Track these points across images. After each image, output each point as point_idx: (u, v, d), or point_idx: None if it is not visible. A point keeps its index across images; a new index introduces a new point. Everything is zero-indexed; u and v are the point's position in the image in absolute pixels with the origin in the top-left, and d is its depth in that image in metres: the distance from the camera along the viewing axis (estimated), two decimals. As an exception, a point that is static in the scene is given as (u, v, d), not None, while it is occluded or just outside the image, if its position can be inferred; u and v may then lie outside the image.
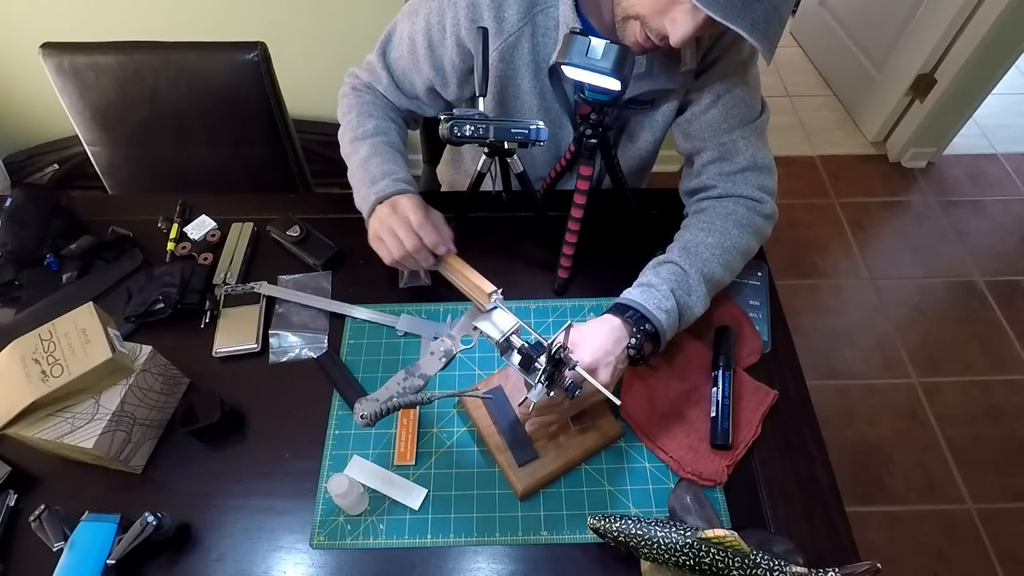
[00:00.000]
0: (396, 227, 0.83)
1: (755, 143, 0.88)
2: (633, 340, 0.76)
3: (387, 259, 0.86)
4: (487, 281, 0.78)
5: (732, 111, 0.87)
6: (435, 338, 0.91)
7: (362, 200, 0.88)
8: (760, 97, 0.90)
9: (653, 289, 0.79)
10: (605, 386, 0.71)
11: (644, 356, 0.77)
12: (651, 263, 0.85)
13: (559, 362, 0.67)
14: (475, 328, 0.77)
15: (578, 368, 0.68)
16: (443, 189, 1.31)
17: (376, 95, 0.99)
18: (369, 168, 0.89)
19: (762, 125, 0.89)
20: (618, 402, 0.68)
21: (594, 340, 0.74)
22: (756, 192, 0.88)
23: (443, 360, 0.87)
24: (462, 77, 0.93)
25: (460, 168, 1.21)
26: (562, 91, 0.91)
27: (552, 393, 0.69)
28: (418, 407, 0.85)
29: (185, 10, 1.75)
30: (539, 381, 0.68)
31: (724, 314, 0.92)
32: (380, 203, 0.85)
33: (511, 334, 0.71)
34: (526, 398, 0.71)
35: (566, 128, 0.96)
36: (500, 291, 0.77)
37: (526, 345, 0.69)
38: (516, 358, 0.71)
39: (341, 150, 0.97)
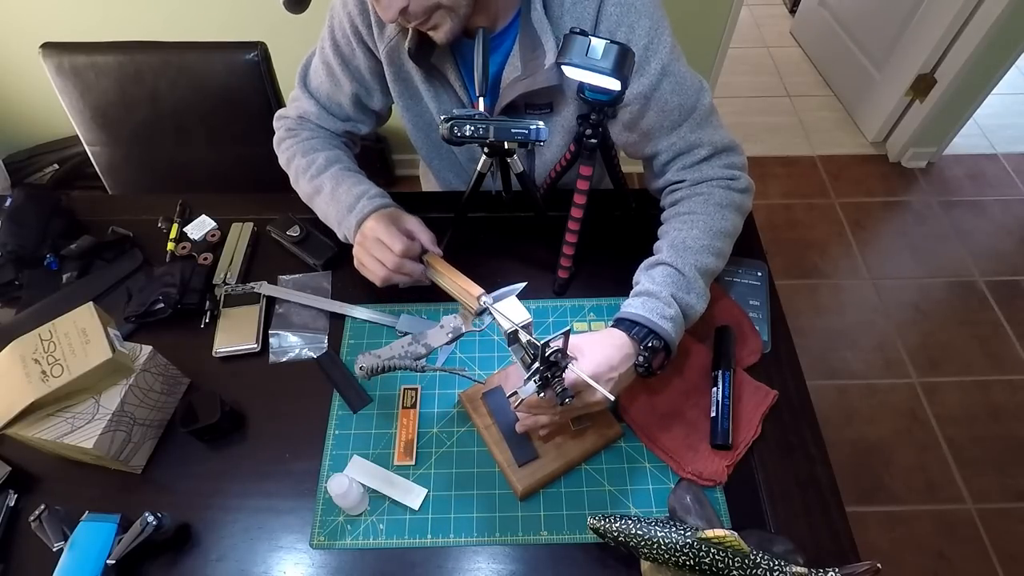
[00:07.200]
0: (371, 248, 0.85)
1: (707, 130, 0.85)
2: (640, 358, 0.75)
3: (377, 282, 0.87)
4: (474, 284, 0.78)
5: (666, 108, 0.82)
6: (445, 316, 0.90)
7: (347, 230, 0.89)
8: (692, 79, 0.83)
9: (654, 298, 0.78)
10: (602, 400, 0.71)
11: (653, 370, 0.76)
12: (643, 264, 0.84)
13: (552, 364, 0.67)
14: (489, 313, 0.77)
15: (577, 371, 0.68)
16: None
17: (312, 128, 1.00)
18: (339, 198, 0.90)
19: (705, 110, 0.84)
20: (612, 397, 0.68)
21: (600, 352, 0.73)
22: (726, 171, 0.86)
23: (450, 336, 0.84)
24: (383, 82, 0.95)
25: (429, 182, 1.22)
26: (453, 91, 0.91)
27: (543, 395, 0.69)
28: (417, 399, 0.85)
29: (185, 10, 1.75)
30: (530, 379, 0.67)
31: (724, 314, 0.92)
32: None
33: (521, 326, 0.71)
34: (515, 392, 0.70)
35: None
36: (487, 293, 0.76)
37: (532, 341, 0.69)
38: (520, 353, 0.71)
39: (301, 197, 0.98)
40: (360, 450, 0.82)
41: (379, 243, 0.84)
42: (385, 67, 0.92)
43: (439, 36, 0.78)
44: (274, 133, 1.03)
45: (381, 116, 1.04)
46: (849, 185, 2.37)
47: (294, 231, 1.01)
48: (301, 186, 0.97)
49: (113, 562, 0.68)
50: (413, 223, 0.88)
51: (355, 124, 1.02)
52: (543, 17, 0.79)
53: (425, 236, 0.87)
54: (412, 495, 0.78)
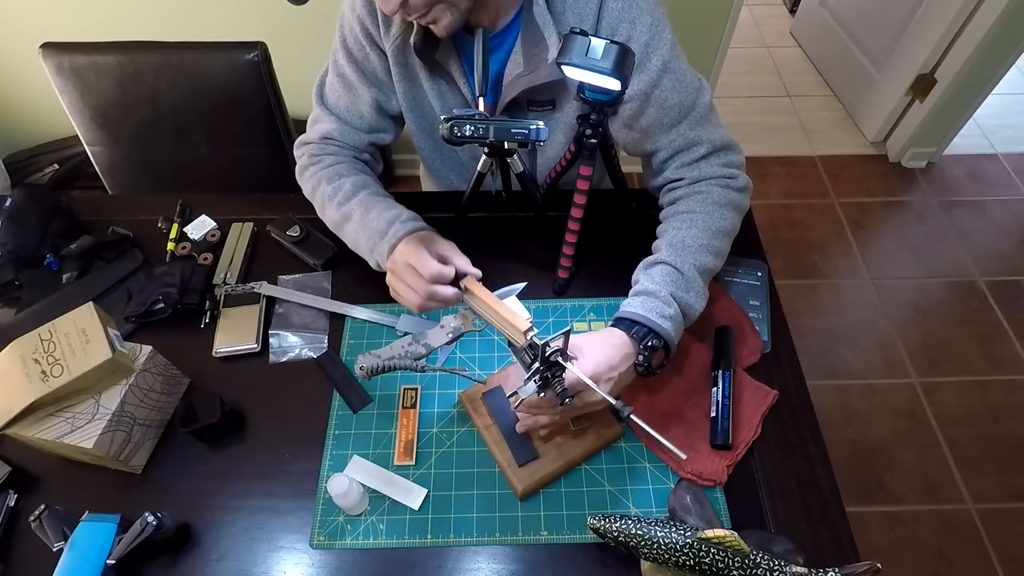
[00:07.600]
0: (402, 274, 0.81)
1: (706, 128, 0.85)
2: (640, 357, 0.75)
3: (412, 309, 0.82)
4: (520, 317, 0.73)
5: (666, 105, 0.82)
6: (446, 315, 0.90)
7: (379, 257, 0.85)
8: (692, 77, 0.83)
9: (653, 297, 0.78)
10: (602, 400, 0.70)
11: (653, 369, 0.76)
12: (642, 264, 0.84)
13: (553, 364, 0.67)
14: None
15: (577, 371, 0.68)
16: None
17: (334, 149, 0.97)
18: (369, 224, 0.87)
19: (704, 108, 0.85)
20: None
21: (600, 352, 0.72)
22: (725, 170, 0.86)
23: (450, 336, 0.84)
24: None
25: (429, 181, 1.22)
26: (457, 89, 0.90)
27: (543, 395, 0.69)
28: (417, 399, 0.85)
29: (185, 10, 1.75)
30: (530, 379, 0.67)
31: (724, 314, 0.92)
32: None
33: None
34: (515, 392, 0.70)
35: None
36: (536, 332, 0.71)
37: (533, 340, 0.69)
38: (520, 353, 0.71)
39: (329, 225, 0.94)
40: (360, 450, 0.82)
41: (409, 268, 0.80)
42: (391, 66, 0.91)
43: (439, 30, 0.78)
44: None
45: (401, 122, 1.03)
46: (849, 185, 2.37)
47: (294, 231, 1.01)
48: (328, 214, 0.93)
49: (113, 562, 0.68)
50: (446, 247, 0.83)
51: (379, 135, 1.00)
52: (545, 11, 0.80)
53: (461, 260, 0.82)
54: (412, 495, 0.78)
